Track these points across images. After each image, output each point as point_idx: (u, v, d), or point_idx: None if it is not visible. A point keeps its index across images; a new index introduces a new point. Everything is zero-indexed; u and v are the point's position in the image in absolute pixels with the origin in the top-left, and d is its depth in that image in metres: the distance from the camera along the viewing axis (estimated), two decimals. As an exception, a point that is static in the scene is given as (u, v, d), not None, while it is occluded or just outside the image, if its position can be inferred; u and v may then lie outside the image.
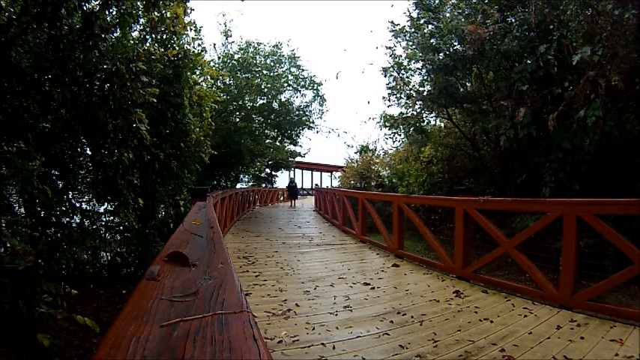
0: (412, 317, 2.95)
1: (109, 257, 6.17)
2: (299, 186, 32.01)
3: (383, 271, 4.66)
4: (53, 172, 5.18)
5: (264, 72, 12.04)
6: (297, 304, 3.23)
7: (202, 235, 1.47)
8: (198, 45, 7.90)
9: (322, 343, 2.43)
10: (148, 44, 5.77)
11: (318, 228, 9.30)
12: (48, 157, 4.35)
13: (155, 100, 4.98)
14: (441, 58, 7.20)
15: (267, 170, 22.95)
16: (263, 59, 12.42)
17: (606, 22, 5.12)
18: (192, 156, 7.08)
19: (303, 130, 14.67)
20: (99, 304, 5.15)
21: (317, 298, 3.47)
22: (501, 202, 4.60)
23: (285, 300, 3.35)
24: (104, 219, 6.15)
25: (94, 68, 4.49)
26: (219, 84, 11.31)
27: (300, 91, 13.43)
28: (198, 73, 8.17)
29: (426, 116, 9.45)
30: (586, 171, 5.35)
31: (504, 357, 2.24)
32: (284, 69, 12.84)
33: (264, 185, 22.18)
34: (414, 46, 7.97)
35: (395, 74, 8.54)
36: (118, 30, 4.51)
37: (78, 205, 5.66)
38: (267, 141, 16.24)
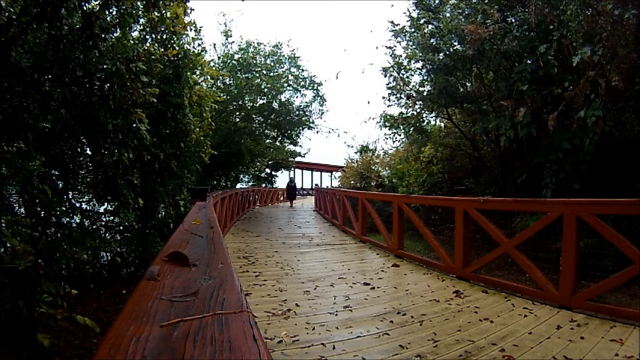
0: (412, 317, 2.95)
1: (109, 257, 6.17)
2: (299, 186, 32.04)
3: (383, 271, 4.66)
4: (53, 172, 5.18)
5: (264, 72, 12.04)
6: (297, 304, 3.23)
7: (202, 235, 1.47)
8: (198, 45, 7.91)
9: (322, 343, 2.43)
10: (148, 44, 5.77)
11: (318, 228, 9.30)
12: (48, 157, 4.35)
13: (155, 100, 4.98)
14: (441, 58, 7.20)
15: (267, 170, 22.94)
16: (263, 59, 12.42)
17: (606, 22, 5.11)
18: (192, 156, 7.08)
19: (303, 130, 14.67)
20: (99, 304, 5.15)
21: (317, 298, 3.47)
22: (501, 202, 4.61)
23: (285, 300, 3.35)
24: (104, 219, 6.15)
25: (94, 68, 4.49)
26: (219, 84, 11.31)
27: (300, 91, 13.43)
28: (198, 73, 8.17)
29: (426, 116, 9.45)
30: (586, 171, 5.35)
31: (504, 357, 2.24)
32: (284, 69, 12.84)
33: (264, 185, 22.18)
34: (414, 46, 7.96)
35: (395, 74, 8.53)
36: (118, 30, 4.51)
37: (78, 205, 5.67)
38: (267, 141, 16.23)
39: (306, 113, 14.03)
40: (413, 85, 8.67)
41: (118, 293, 5.57)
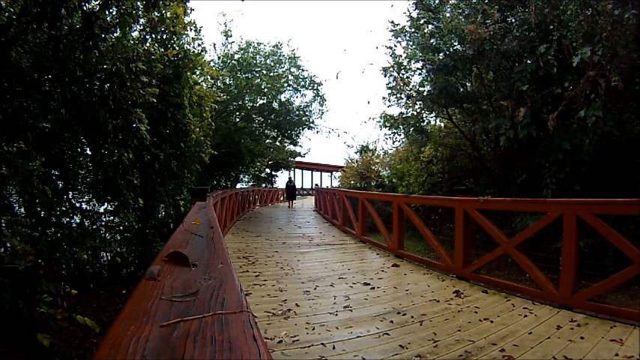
0: (412, 317, 2.95)
1: (109, 257, 6.17)
2: (299, 186, 32.02)
3: (383, 271, 4.66)
4: (53, 172, 5.18)
5: (264, 72, 12.04)
6: (297, 304, 3.23)
7: (202, 235, 1.47)
8: (198, 45, 7.90)
9: (322, 343, 2.43)
10: (148, 44, 5.77)
11: (318, 228, 9.30)
12: (48, 157, 4.35)
13: (155, 100, 4.99)
14: (441, 58, 7.20)
15: (267, 170, 22.95)
16: (263, 59, 12.42)
17: (606, 22, 5.12)
18: (192, 156, 7.08)
19: (303, 130, 14.67)
20: (99, 304, 5.15)
21: (317, 298, 3.47)
22: (501, 202, 4.60)
23: (285, 300, 3.35)
24: (104, 219, 6.15)
25: (94, 68, 4.49)
26: (219, 84, 11.31)
27: (300, 91, 13.44)
28: (198, 73, 8.17)
29: (426, 116, 9.45)
30: (586, 171, 5.35)
31: (504, 357, 2.24)
32: (284, 69, 12.85)
33: (264, 185, 22.18)
34: (414, 46, 7.96)
35: (395, 74, 8.53)
36: (118, 30, 4.51)
37: (78, 205, 5.67)
38: (267, 141, 16.23)
39: (306, 113, 14.03)
40: (413, 85, 8.67)
41: (118, 293, 5.58)
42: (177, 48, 6.12)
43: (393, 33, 8.34)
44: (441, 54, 7.22)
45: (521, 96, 6.16)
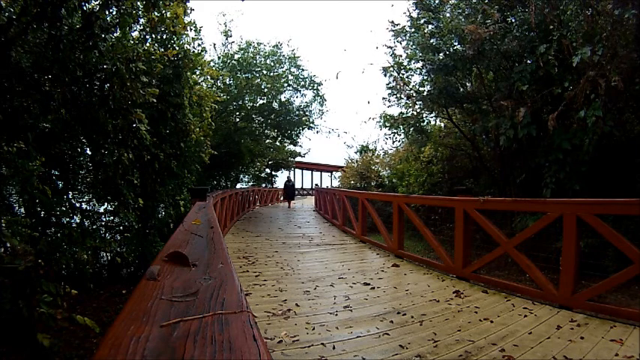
0: (412, 317, 2.95)
1: (109, 257, 6.17)
2: (299, 186, 32.00)
3: (383, 271, 4.66)
4: (53, 172, 5.18)
5: (264, 72, 12.04)
6: (297, 304, 3.23)
7: (202, 235, 1.47)
8: (198, 45, 7.90)
9: (322, 343, 2.43)
10: (147, 44, 5.76)
11: (318, 228, 9.30)
12: (48, 157, 4.35)
13: (155, 100, 4.99)
14: (441, 58, 7.20)
15: (267, 170, 22.94)
16: (263, 59, 12.42)
17: (606, 22, 5.12)
18: (192, 156, 7.08)
19: (303, 130, 14.67)
20: (99, 304, 5.15)
21: (317, 298, 3.47)
22: (501, 202, 4.60)
23: (285, 300, 3.35)
24: (104, 219, 6.15)
25: (94, 68, 4.49)
26: (219, 84, 11.31)
27: (300, 91, 13.44)
28: (198, 73, 8.17)
29: (426, 116, 9.45)
30: (586, 171, 5.34)
31: (504, 357, 2.24)
32: (284, 69, 12.85)
33: (264, 185, 22.18)
34: (414, 46, 7.96)
35: (395, 74, 8.53)
36: (118, 30, 4.50)
37: (78, 205, 5.66)
38: (267, 141, 16.23)
39: (306, 113, 14.03)
40: (413, 85, 8.67)
41: (118, 293, 5.57)
42: (177, 48, 6.12)
43: (393, 33, 8.34)
44: (441, 54, 7.22)
45: (521, 96, 6.16)
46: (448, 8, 7.68)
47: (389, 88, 8.85)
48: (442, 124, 10.22)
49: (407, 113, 9.13)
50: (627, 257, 2.79)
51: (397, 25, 8.26)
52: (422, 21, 7.88)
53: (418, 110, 8.92)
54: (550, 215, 3.38)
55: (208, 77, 9.41)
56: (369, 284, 3.95)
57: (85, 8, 3.92)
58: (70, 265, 4.43)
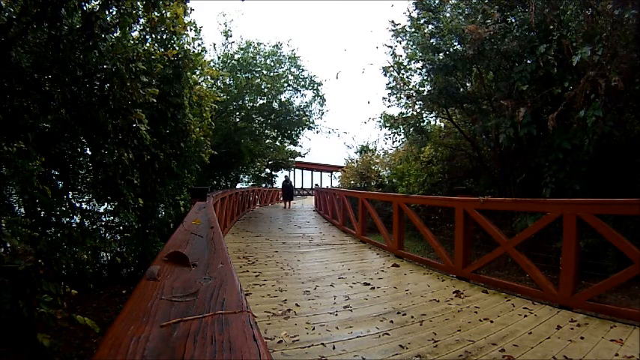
0: (412, 317, 2.95)
1: (109, 257, 6.17)
2: (299, 186, 31.99)
3: (383, 271, 4.66)
4: (53, 172, 5.17)
5: (264, 72, 12.04)
6: (297, 304, 3.23)
7: (202, 235, 1.47)
8: (198, 45, 7.90)
9: (322, 343, 2.43)
10: (148, 44, 5.76)
11: (318, 228, 9.30)
12: (48, 157, 4.35)
13: (155, 100, 4.99)
14: (441, 58, 7.19)
15: (267, 170, 22.94)
16: (263, 59, 12.42)
17: (606, 22, 5.12)
18: (192, 156, 7.08)
19: (303, 130, 14.67)
20: (99, 304, 5.15)
21: (317, 298, 3.47)
22: (501, 202, 4.60)
23: (285, 300, 3.35)
24: (104, 219, 6.15)
25: (94, 68, 4.49)
26: (219, 84, 11.32)
27: (300, 91, 13.44)
28: (198, 73, 8.17)
29: (426, 116, 9.45)
30: (586, 171, 5.34)
31: (504, 357, 2.24)
32: (284, 69, 12.85)
33: (264, 185, 22.18)
34: (414, 46, 7.96)
35: (395, 74, 8.53)
36: (118, 30, 4.50)
37: (78, 205, 5.66)
38: (267, 141, 16.23)
39: (306, 113, 14.03)
40: (413, 85, 8.66)
41: (118, 293, 5.57)
42: (177, 48, 6.12)
43: (393, 33, 8.34)
44: (441, 54, 7.21)
45: (521, 96, 6.16)
46: (448, 8, 7.68)
47: (389, 88, 8.85)
48: (442, 124, 10.22)
49: (407, 113, 9.13)
50: (627, 257, 2.79)
51: (397, 24, 8.26)
52: (422, 21, 7.87)
53: (418, 110, 8.92)
54: (550, 215, 3.38)
55: (208, 77, 9.41)
56: (369, 284, 3.95)
57: (85, 8, 3.92)
58: (70, 265, 4.43)
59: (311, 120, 14.28)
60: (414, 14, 8.06)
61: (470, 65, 7.09)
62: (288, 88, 13.06)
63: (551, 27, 5.64)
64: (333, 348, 2.38)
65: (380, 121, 9.69)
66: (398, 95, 8.82)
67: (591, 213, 3.03)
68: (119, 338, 0.52)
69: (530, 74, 5.74)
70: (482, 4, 6.74)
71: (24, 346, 2.52)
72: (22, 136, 3.71)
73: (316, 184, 29.30)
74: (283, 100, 13.15)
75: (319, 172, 33.68)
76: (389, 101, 9.05)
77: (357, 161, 15.12)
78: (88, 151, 5.43)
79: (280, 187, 18.07)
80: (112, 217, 6.21)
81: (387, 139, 10.13)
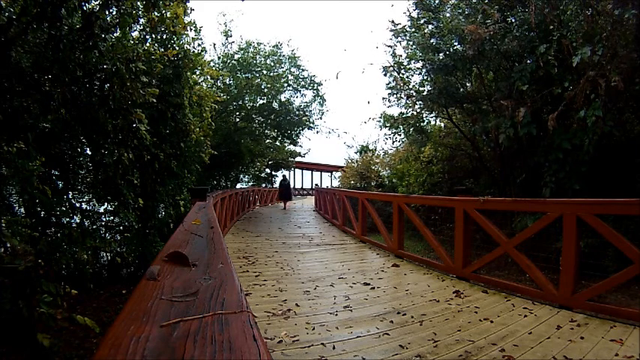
0: (412, 317, 2.95)
1: (109, 257, 6.17)
2: (299, 186, 31.99)
3: (383, 271, 4.66)
4: (53, 172, 5.17)
5: (264, 72, 12.04)
6: (297, 304, 3.23)
7: (202, 235, 1.47)
8: (198, 45, 7.90)
9: (322, 343, 2.43)
10: (147, 44, 5.76)
11: (318, 228, 9.30)
12: (48, 157, 4.35)
13: (155, 100, 4.99)
14: (441, 58, 7.19)
15: (267, 170, 22.93)
16: (263, 59, 12.42)
17: (606, 22, 5.12)
18: (192, 156, 7.08)
19: (303, 130, 14.66)
20: (99, 304, 5.15)
21: (317, 298, 3.47)
22: (501, 202, 4.60)
23: (285, 300, 3.35)
24: (104, 219, 6.15)
25: (94, 68, 4.49)
26: (219, 84, 11.31)
27: (300, 91, 13.44)
28: (198, 73, 8.16)
29: (426, 116, 9.44)
30: (586, 171, 5.35)
31: (504, 357, 2.24)
32: (284, 69, 12.85)
33: (264, 185, 22.18)
34: (414, 46, 7.96)
35: (395, 74, 8.53)
36: (118, 30, 4.50)
37: (78, 205, 5.66)
38: (267, 141, 16.22)
39: (306, 113, 14.02)
40: (413, 85, 8.66)
41: (118, 293, 5.57)
42: (177, 48, 6.12)
43: (393, 33, 8.33)
44: (441, 54, 7.21)
45: (521, 96, 6.16)
46: (448, 8, 7.68)
47: (389, 88, 8.84)
48: (442, 124, 10.22)
49: (407, 113, 9.13)
50: (627, 257, 2.79)
51: (397, 24, 8.26)
52: (422, 21, 7.87)
53: (418, 110, 8.92)
54: (550, 215, 3.38)
55: (208, 77, 9.41)
56: (369, 284, 3.95)
57: (85, 8, 3.92)
58: (70, 265, 4.43)
59: (311, 120, 14.28)
60: (414, 14, 8.06)
61: (470, 65, 7.09)
62: (288, 88, 13.06)
63: (551, 27, 5.64)
64: (333, 348, 2.38)
65: (380, 121, 9.69)
66: (398, 95, 8.82)
67: (591, 213, 3.03)
68: (119, 338, 0.52)
69: (530, 74, 5.74)
70: (482, 4, 6.74)
71: (24, 346, 2.52)
72: (22, 136, 3.71)
73: (316, 184, 29.29)
74: (283, 100, 13.15)
75: (319, 172, 33.68)
76: (389, 101, 9.05)
77: (357, 161, 15.12)
78: (88, 151, 5.43)
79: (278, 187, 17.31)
80: (112, 217, 6.21)
81: (387, 139, 10.14)
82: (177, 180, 6.67)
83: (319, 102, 13.97)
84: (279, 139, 15.95)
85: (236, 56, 12.26)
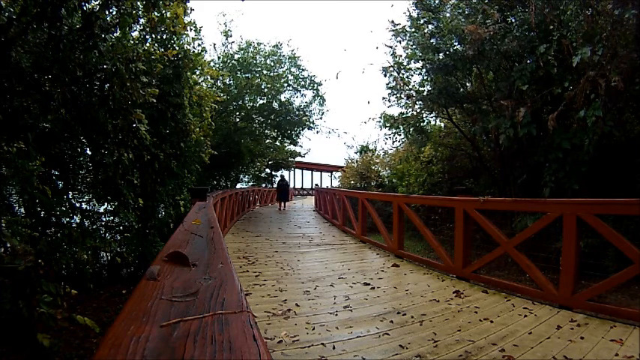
0: (412, 317, 2.95)
1: (109, 257, 6.17)
2: (298, 186, 32.00)
3: (383, 271, 4.66)
4: (53, 172, 5.17)
5: (264, 72, 12.04)
6: (297, 304, 3.23)
7: (202, 235, 1.47)
8: (198, 45, 7.90)
9: (322, 343, 2.43)
10: (147, 44, 5.76)
11: (318, 228, 9.30)
12: (48, 157, 4.35)
13: (155, 100, 4.99)
14: (441, 58, 7.19)
15: (267, 170, 22.94)
16: (263, 59, 12.43)
17: (606, 22, 5.12)
18: (192, 156, 7.08)
19: (303, 130, 14.66)
20: (99, 304, 5.15)
21: (317, 298, 3.47)
22: (501, 202, 4.60)
23: (285, 300, 3.35)
24: (104, 219, 6.15)
25: (94, 68, 4.49)
26: (219, 84, 11.31)
27: (300, 91, 13.44)
28: (198, 73, 8.16)
29: (426, 116, 9.44)
30: (586, 171, 5.35)
31: (504, 357, 2.24)
32: (284, 69, 12.85)
33: (264, 185, 22.18)
34: (414, 46, 7.95)
35: (395, 74, 8.53)
36: (118, 30, 4.50)
37: (78, 205, 5.66)
38: (267, 141, 16.22)
39: (306, 113, 14.02)
40: (413, 85, 8.66)
41: (118, 293, 5.57)
42: (177, 48, 6.12)
43: (393, 33, 8.33)
44: (441, 54, 7.21)
45: (521, 96, 6.16)
46: (448, 8, 7.68)
47: (389, 88, 8.84)
48: (442, 124, 10.22)
49: (407, 113, 9.13)
50: (627, 257, 2.79)
51: (397, 25, 8.26)
52: (422, 21, 7.87)
53: (418, 110, 8.92)
54: (550, 215, 3.38)
55: (208, 77, 9.41)
56: (369, 284, 3.95)
57: (85, 8, 3.92)
58: (70, 265, 4.43)
59: (311, 120, 14.28)
60: (414, 14, 8.06)
61: (470, 65, 7.09)
62: (288, 88, 13.06)
63: (551, 27, 5.64)
64: (333, 348, 2.38)
65: (380, 121, 9.69)
66: (398, 95, 8.82)
67: (591, 213, 3.03)
68: (119, 338, 0.52)
69: (530, 74, 5.74)
70: (482, 4, 6.74)
71: (24, 346, 2.52)
72: (22, 136, 3.71)
73: (316, 184, 29.30)
74: (283, 100, 13.15)
75: (319, 172, 33.69)
76: (389, 101, 9.05)
77: (357, 161, 15.12)
78: (88, 151, 5.43)
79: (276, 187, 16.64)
80: (112, 217, 6.21)
81: (387, 139, 10.14)
82: (177, 180, 6.67)
83: (319, 102, 13.99)
84: (279, 139, 15.95)
85: (236, 56, 12.26)
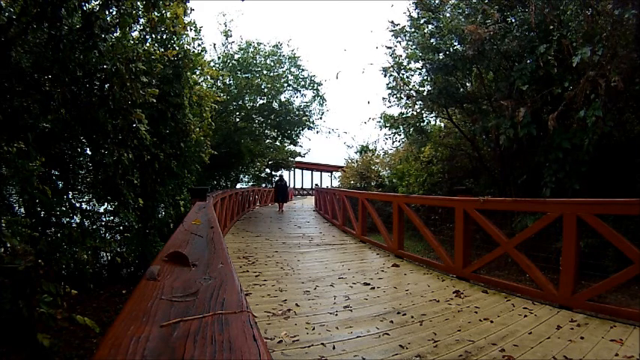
0: (412, 317, 2.95)
1: (109, 257, 6.17)
2: (298, 186, 31.99)
3: (383, 271, 4.66)
4: (53, 172, 5.17)
5: (264, 72, 12.04)
6: (297, 304, 3.23)
7: (202, 235, 1.47)
8: (198, 45, 7.91)
9: (322, 343, 2.43)
10: (147, 44, 5.76)
11: (318, 228, 9.30)
12: (48, 157, 4.35)
13: (155, 100, 4.99)
14: (441, 58, 7.19)
15: (267, 170, 22.95)
16: (263, 59, 12.42)
17: (606, 22, 5.12)
18: (192, 156, 7.08)
19: (303, 130, 14.65)
20: (99, 304, 5.15)
21: (317, 298, 3.47)
22: (501, 202, 4.60)
23: (285, 300, 3.35)
24: (104, 219, 6.15)
25: (94, 68, 4.50)
26: (219, 84, 11.31)
27: (300, 91, 13.43)
28: (198, 73, 8.16)
29: (426, 116, 9.44)
30: (586, 171, 5.35)
31: (504, 357, 2.24)
32: (284, 69, 12.84)
33: (264, 185, 22.18)
34: (414, 46, 7.95)
35: (395, 74, 8.53)
36: (118, 30, 4.50)
37: (78, 205, 5.66)
38: (267, 141, 16.21)
39: (306, 113, 14.02)
40: (413, 85, 8.66)
41: (118, 293, 5.57)
42: (177, 48, 6.12)
43: (393, 33, 8.33)
44: (441, 54, 7.21)
45: (521, 96, 6.16)
46: (448, 8, 7.68)
47: (389, 88, 8.84)
48: (442, 124, 10.22)
49: (407, 113, 9.13)
50: (627, 257, 2.79)
51: (397, 25, 8.26)
52: (422, 21, 7.87)
53: (418, 110, 8.92)
54: (550, 215, 3.38)
55: (208, 77, 9.41)
56: (369, 284, 3.95)
57: (85, 8, 3.92)
58: (70, 265, 4.43)
59: (311, 120, 14.27)
60: (414, 14, 8.06)
61: (470, 65, 7.09)
62: (288, 88, 13.05)
63: (551, 27, 5.64)
64: (333, 348, 2.38)
65: (380, 121, 9.69)
66: (398, 95, 8.82)
67: (591, 213, 3.03)
68: (119, 338, 0.52)
69: (530, 74, 5.74)
70: (482, 4, 6.74)
71: (24, 346, 2.52)
72: (22, 136, 3.71)
73: (316, 184, 29.29)
74: (283, 100, 13.15)
75: (319, 172, 33.68)
76: (389, 101, 9.05)
77: (357, 161, 15.12)
78: (88, 151, 5.43)
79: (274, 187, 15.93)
80: (112, 217, 6.21)
81: (387, 139, 10.14)
82: (177, 180, 6.67)
83: (319, 102, 13.98)
84: (279, 139, 15.94)
85: (236, 56, 12.26)
